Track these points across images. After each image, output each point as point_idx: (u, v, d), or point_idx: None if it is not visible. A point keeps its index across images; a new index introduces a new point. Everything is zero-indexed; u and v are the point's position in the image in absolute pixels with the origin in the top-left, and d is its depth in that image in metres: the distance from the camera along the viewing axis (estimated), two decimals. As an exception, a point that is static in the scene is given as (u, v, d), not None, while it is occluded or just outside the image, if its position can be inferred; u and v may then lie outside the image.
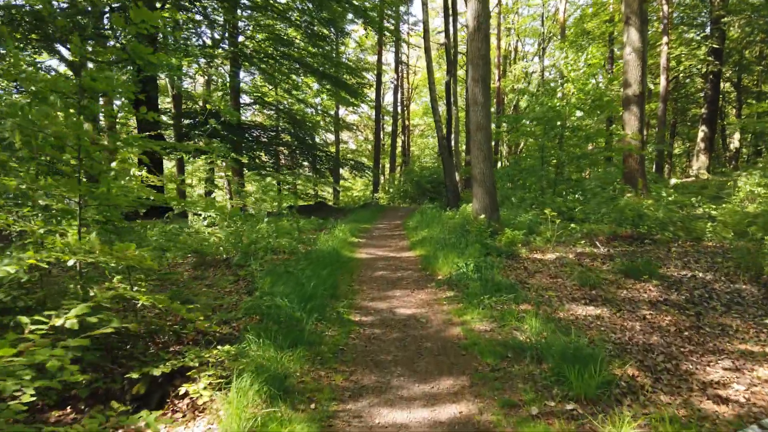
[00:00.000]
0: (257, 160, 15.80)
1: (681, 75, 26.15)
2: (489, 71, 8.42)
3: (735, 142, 27.53)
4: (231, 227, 7.38)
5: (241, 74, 21.46)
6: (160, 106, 20.37)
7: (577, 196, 11.39)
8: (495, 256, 6.54)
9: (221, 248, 6.60)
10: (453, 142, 18.12)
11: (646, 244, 7.38)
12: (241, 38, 17.57)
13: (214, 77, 17.33)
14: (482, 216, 8.29)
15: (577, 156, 10.71)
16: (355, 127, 34.76)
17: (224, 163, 14.83)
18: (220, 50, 16.60)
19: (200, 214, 8.05)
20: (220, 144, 16.17)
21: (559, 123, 10.05)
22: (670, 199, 8.35)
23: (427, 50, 14.74)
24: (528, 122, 10.67)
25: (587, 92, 10.44)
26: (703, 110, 23.20)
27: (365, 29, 16.77)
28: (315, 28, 16.15)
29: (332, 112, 28.94)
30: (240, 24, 17.34)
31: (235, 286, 5.63)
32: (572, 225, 7.24)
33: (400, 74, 31.25)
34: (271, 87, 25.72)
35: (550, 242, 7.58)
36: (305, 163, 17.30)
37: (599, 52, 10.26)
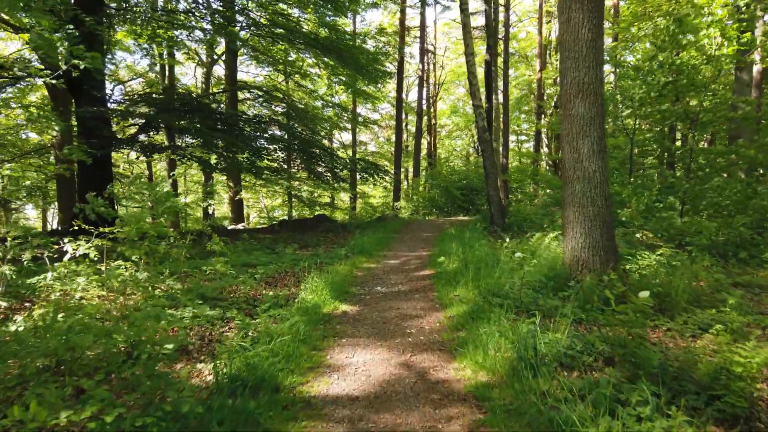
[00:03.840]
0: (228, 158, 11.96)
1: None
2: (604, -21, 4.35)
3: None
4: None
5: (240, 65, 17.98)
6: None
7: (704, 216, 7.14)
8: (692, 395, 2.43)
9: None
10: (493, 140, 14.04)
11: None
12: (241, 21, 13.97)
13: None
14: (590, 269, 4.14)
15: (718, 152, 6.43)
16: (375, 126, 30.98)
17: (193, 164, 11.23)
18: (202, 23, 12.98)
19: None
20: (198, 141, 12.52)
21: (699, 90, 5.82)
22: None
23: (464, 5, 10.70)
24: (642, 90, 6.40)
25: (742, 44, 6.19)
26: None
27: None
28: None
29: (350, 110, 25.16)
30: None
31: None
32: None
33: (425, 65, 27.16)
34: (282, 80, 22.18)
35: (735, 318, 3.49)
36: (299, 163, 13.51)
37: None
